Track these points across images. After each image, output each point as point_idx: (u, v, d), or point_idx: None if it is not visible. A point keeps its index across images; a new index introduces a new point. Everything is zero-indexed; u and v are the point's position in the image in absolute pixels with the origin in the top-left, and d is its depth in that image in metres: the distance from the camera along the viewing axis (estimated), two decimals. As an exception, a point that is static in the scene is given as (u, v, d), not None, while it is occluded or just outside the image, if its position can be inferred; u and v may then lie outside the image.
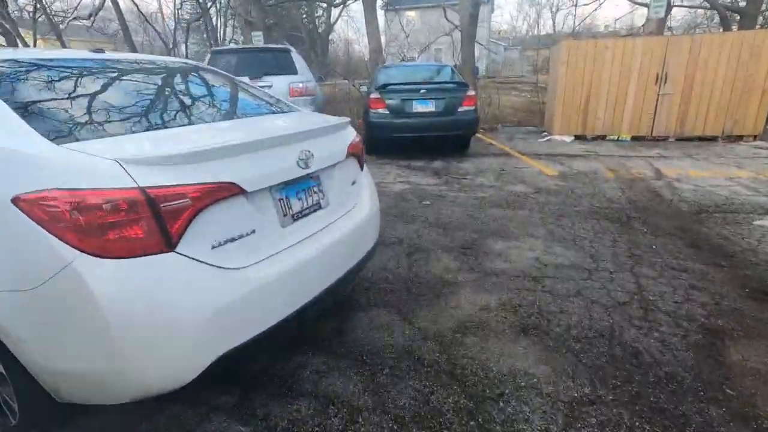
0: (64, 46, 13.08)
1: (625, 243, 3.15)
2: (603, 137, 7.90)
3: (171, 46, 12.97)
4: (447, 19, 12.54)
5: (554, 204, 4.14)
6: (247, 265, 1.39)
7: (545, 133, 8.64)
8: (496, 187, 4.80)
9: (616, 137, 7.80)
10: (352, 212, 1.98)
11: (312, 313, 1.67)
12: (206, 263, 1.27)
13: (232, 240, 1.36)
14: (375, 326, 2.18)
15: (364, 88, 8.19)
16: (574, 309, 2.28)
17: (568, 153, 6.72)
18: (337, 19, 27.09)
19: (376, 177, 5.37)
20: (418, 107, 6.04)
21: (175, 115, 1.71)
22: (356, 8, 25.52)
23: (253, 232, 1.44)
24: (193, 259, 1.24)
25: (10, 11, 10.88)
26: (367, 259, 2.07)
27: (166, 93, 1.90)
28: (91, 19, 11.32)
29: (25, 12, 12.92)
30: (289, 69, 6.04)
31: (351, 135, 2.07)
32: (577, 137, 7.97)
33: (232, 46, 8.37)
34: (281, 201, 1.58)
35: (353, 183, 2.06)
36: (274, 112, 2.11)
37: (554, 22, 39.35)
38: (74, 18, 11.62)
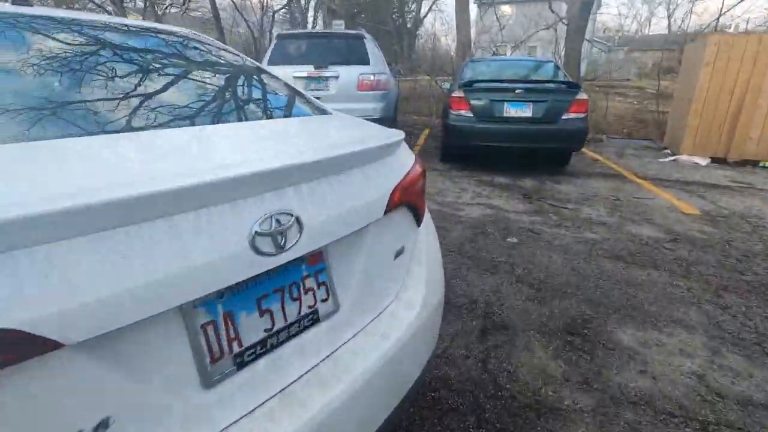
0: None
1: None
2: (753, 163, 6.06)
3: (257, 35, 13.01)
4: (551, 10, 10.98)
5: (707, 264, 2.83)
6: None
7: (667, 151, 6.95)
8: (610, 226, 3.54)
9: (772, 164, 5.94)
10: (389, 316, 1.03)
11: None
12: None
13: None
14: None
15: (446, 85, 7.15)
16: None
17: (708, 182, 5.13)
18: (427, 13, 26.11)
19: (448, 194, 4.36)
20: (511, 111, 4.89)
21: (87, 114, 0.89)
22: (448, 1, 24.32)
23: (105, 424, 0.56)
24: None
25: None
26: (414, 391, 1.12)
27: (97, 74, 1.09)
28: (184, 6, 11.60)
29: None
30: (361, 58, 5.22)
31: (402, 166, 1.12)
32: (714, 160, 6.22)
33: (299, 30, 7.82)
34: (211, 328, 0.68)
35: (398, 254, 1.11)
36: (271, 115, 1.22)
37: (670, 22, 34.64)
38: (170, 4, 12.04)
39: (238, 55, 1.53)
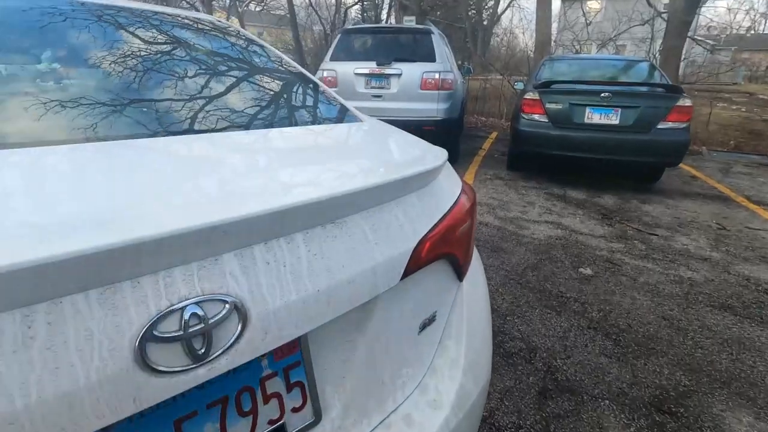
0: (243, 27, 14.39)
1: None
2: None
3: (329, 31, 13.12)
4: (649, 4, 9.76)
5: None
6: None
7: (789, 171, 5.81)
8: (715, 264, 2.90)
9: None
10: (402, 423, 0.71)
11: None
12: None
13: None
14: None
15: (519, 86, 6.57)
16: None
17: None
18: (505, 9, 24.93)
19: (512, 208, 3.90)
20: (594, 117, 4.27)
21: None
22: (529, -4, 23.01)
23: None
24: None
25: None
26: None
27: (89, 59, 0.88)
28: (263, 3, 11.99)
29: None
30: (427, 55, 4.88)
31: (440, 203, 0.78)
32: None
33: (364, 25, 7.61)
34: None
35: (426, 325, 0.79)
36: (268, 121, 0.93)
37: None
38: (250, 1, 12.51)
39: (259, 45, 1.28)
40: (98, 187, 0.48)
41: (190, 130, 0.74)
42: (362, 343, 0.66)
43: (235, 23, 15.79)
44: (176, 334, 0.42)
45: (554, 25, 12.41)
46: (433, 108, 4.76)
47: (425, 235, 0.70)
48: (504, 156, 5.83)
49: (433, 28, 5.16)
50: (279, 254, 0.51)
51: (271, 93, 1.06)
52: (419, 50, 4.95)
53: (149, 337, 0.40)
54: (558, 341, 1.99)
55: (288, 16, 13.12)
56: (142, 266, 0.40)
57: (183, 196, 0.50)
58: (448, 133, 5.02)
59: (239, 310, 0.46)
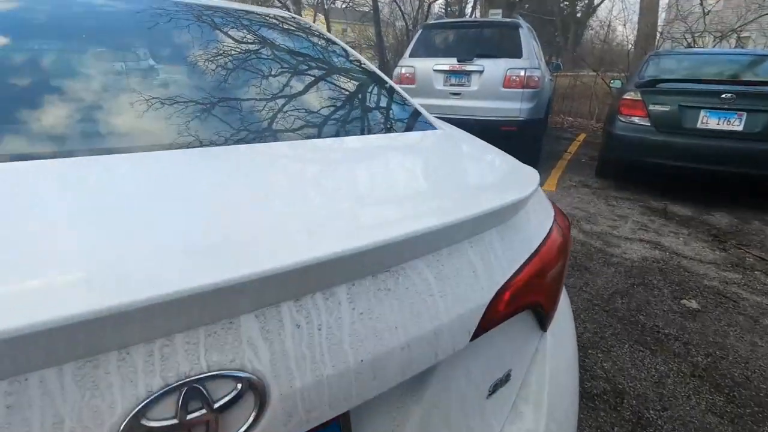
0: (329, 25, 14.84)
1: None
2: None
3: (411, 27, 13.01)
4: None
5: None
6: None
7: None
8: None
9: None
10: None
11: None
12: None
13: None
14: None
15: (616, 84, 5.92)
16: None
17: None
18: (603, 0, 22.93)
19: (599, 222, 3.50)
20: (710, 121, 3.68)
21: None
22: (632, -15, 20.85)
23: None
24: None
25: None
26: None
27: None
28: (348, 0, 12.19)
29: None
30: (513, 51, 4.55)
31: (525, 241, 0.62)
32: None
33: (447, 19, 7.31)
34: None
35: (498, 386, 0.64)
36: (327, 130, 0.82)
37: None
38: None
39: (331, 42, 1.19)
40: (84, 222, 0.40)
41: (229, 140, 0.67)
42: (416, 412, 0.53)
43: (321, 20, 16.34)
44: (170, 423, 0.33)
45: (661, 16, 11.07)
46: (515, 108, 4.45)
47: (505, 283, 0.56)
48: (593, 161, 5.31)
49: (521, 22, 4.82)
50: (314, 314, 0.40)
51: (339, 98, 0.97)
52: (505, 45, 4.65)
53: (135, 426, 0.31)
54: (652, 387, 1.69)
55: (372, 12, 13.24)
56: (134, 333, 0.32)
57: (190, 243, 0.40)
58: (530, 134, 4.67)
59: (256, 389, 0.36)
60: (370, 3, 13.44)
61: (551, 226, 0.69)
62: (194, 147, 0.62)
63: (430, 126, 0.96)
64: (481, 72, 4.49)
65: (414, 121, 0.98)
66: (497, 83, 4.45)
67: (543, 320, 0.70)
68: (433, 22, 5.57)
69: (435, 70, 4.65)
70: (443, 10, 14.38)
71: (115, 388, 0.31)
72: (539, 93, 4.63)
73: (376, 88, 1.08)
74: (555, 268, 0.66)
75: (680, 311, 2.24)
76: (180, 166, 0.55)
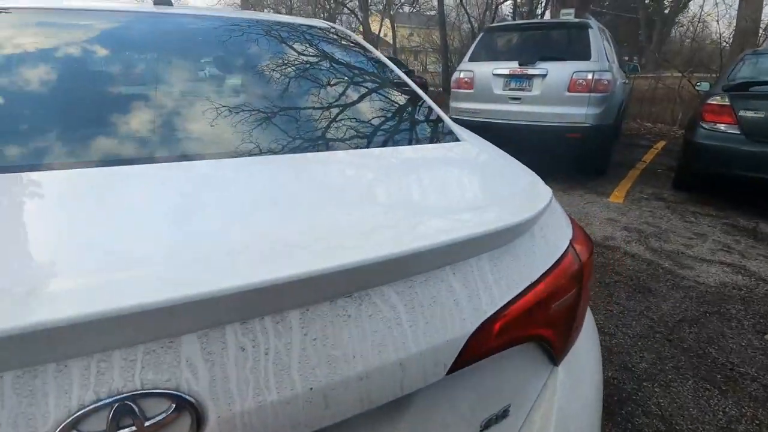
0: (394, 30, 15.00)
1: None
2: None
3: (476, 30, 12.73)
4: None
5: None
6: None
7: None
8: None
9: None
10: None
11: None
12: None
13: None
14: None
15: (704, 86, 5.34)
16: None
17: None
18: (695, -7, 20.81)
19: (671, 239, 3.17)
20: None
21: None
22: (732, -24, 18.67)
23: None
24: None
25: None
26: None
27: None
28: (414, 4, 12.23)
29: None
30: (581, 53, 4.28)
31: (534, 265, 0.58)
32: None
33: (510, 21, 6.99)
34: None
35: (492, 423, 0.59)
36: (342, 141, 0.81)
37: None
38: (402, 5, 12.91)
39: (364, 50, 1.19)
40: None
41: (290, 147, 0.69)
42: None
43: (387, 25, 16.51)
44: None
45: (765, 9, 9.77)
46: (581, 113, 4.17)
47: (495, 314, 0.51)
48: (671, 171, 4.83)
49: (591, 22, 4.51)
50: (261, 338, 0.40)
51: (362, 109, 0.96)
52: (572, 47, 4.38)
53: None
54: (717, 433, 1.49)
55: (437, 16, 13.17)
56: (72, 347, 0.33)
57: (130, 257, 0.40)
58: (597, 142, 4.35)
59: (192, 411, 0.36)
60: (437, 7, 13.38)
61: (564, 251, 0.63)
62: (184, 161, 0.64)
63: (454, 137, 0.92)
64: (544, 76, 4.27)
65: (437, 133, 0.95)
66: (562, 87, 4.21)
67: (553, 355, 0.64)
68: (495, 24, 5.41)
69: (494, 75, 4.50)
70: (511, 12, 13.90)
71: (50, 399, 0.33)
72: (609, 97, 4.30)
73: (403, 98, 1.06)
74: (564, 298, 0.59)
75: (762, 348, 1.96)
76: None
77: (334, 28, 1.33)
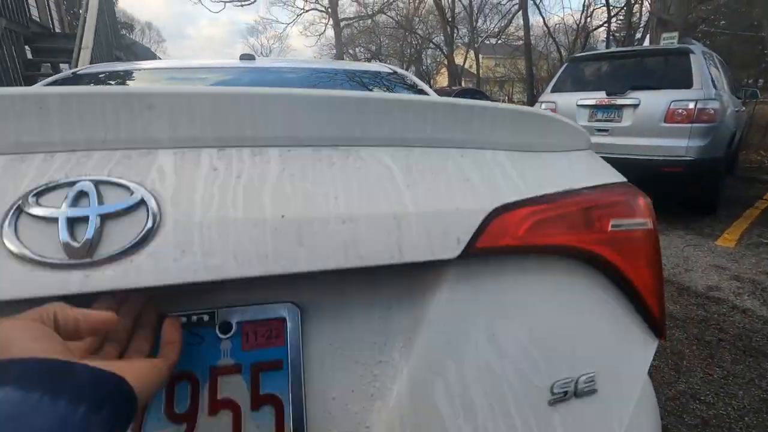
0: (478, 61, 15.07)
1: None
2: None
3: (565, 59, 12.24)
4: None
5: None
6: None
7: None
8: None
9: None
10: None
11: None
12: None
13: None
14: None
15: None
16: None
17: None
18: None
19: (755, 283, 2.65)
20: None
21: None
22: None
23: None
24: None
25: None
26: None
27: None
28: (499, 36, 12.22)
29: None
30: (681, 80, 3.89)
31: (566, 177, 0.53)
32: None
33: (596, 51, 6.52)
34: None
35: (569, 395, 0.47)
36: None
37: None
38: (488, 36, 12.97)
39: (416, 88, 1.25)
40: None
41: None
42: (406, 371, 0.43)
43: (471, 57, 16.65)
44: (53, 212, 0.36)
45: None
46: (681, 146, 3.76)
47: (519, 202, 0.46)
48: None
49: (694, 47, 4.11)
50: (236, 163, 0.41)
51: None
52: (670, 75, 4.02)
53: (25, 211, 0.36)
54: None
55: (523, 46, 12.98)
56: (60, 140, 0.39)
57: None
58: (702, 177, 3.87)
59: (149, 208, 0.37)
60: (523, 37, 13.22)
61: (621, 181, 0.56)
62: None
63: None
64: (636, 106, 3.95)
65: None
66: (657, 118, 3.85)
67: (651, 317, 0.52)
68: (580, 54, 5.17)
69: (579, 105, 4.28)
70: (605, 40, 13.14)
71: (27, 177, 0.38)
72: (716, 128, 3.83)
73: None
74: (629, 221, 0.51)
75: None
76: None
77: (395, 71, 1.40)
